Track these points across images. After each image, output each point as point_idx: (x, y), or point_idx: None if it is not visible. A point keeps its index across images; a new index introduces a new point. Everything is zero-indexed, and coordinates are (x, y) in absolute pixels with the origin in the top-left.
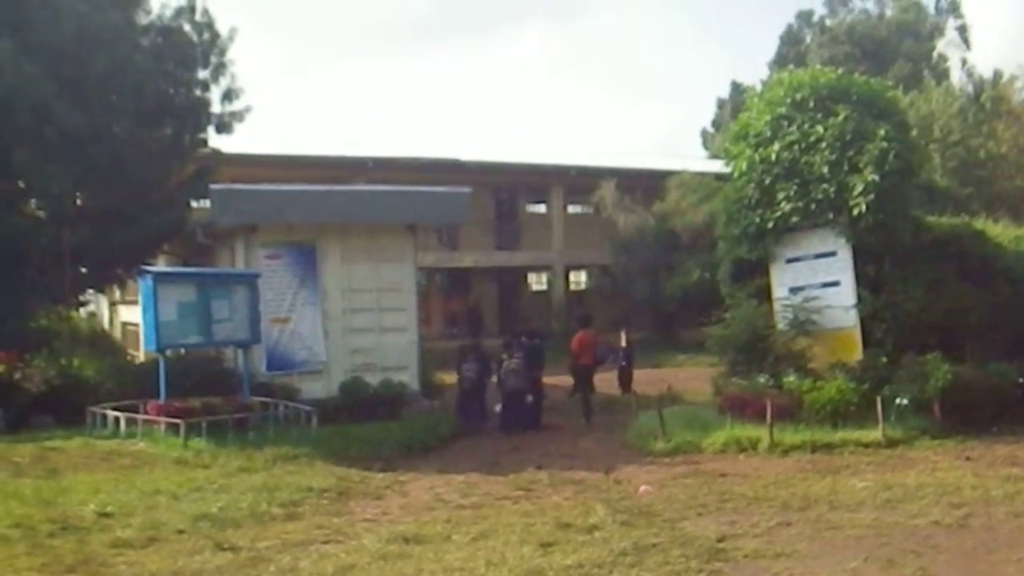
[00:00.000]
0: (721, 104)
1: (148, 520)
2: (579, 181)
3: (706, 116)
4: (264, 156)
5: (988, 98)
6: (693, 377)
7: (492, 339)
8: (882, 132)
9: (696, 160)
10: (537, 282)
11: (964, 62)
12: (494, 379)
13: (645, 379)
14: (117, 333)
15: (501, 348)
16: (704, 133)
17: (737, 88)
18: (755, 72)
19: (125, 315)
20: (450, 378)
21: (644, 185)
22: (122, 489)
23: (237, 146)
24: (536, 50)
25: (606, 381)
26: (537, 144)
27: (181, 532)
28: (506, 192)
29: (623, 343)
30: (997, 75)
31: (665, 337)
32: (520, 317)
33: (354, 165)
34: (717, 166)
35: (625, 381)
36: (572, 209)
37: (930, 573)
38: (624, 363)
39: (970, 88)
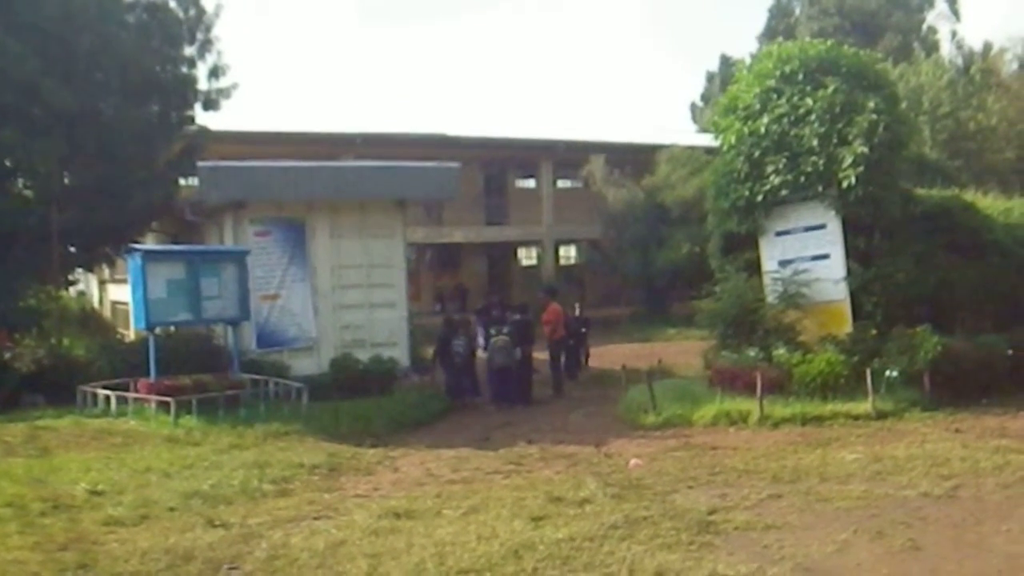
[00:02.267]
0: (710, 78)
1: (139, 498)
2: (568, 156)
3: (695, 90)
4: (252, 133)
5: (978, 70)
6: (683, 351)
7: None
8: (871, 104)
9: (685, 134)
10: (527, 257)
11: (954, 34)
12: (481, 353)
13: (635, 353)
14: (107, 312)
15: (475, 320)
16: (693, 107)
17: (726, 61)
18: (744, 45)
19: (115, 294)
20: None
21: (633, 159)
22: (113, 467)
23: (225, 123)
24: (523, 26)
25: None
26: (525, 119)
27: (172, 509)
28: (495, 167)
29: (576, 314)
30: (987, 47)
31: (655, 311)
32: (509, 291)
33: (343, 141)
34: (706, 140)
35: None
36: (561, 184)
37: (919, 544)
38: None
39: (960, 60)
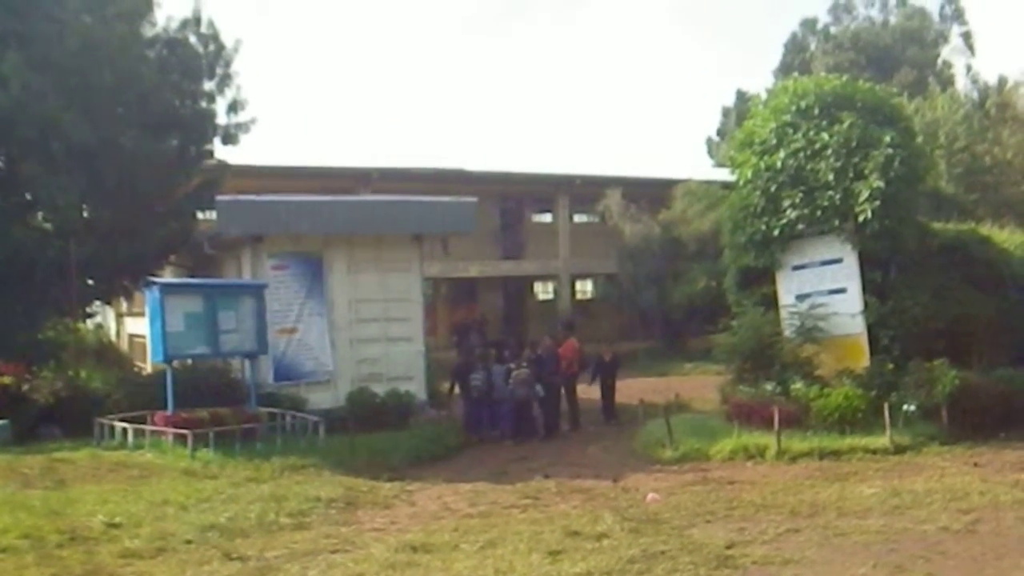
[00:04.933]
0: (726, 113)
1: (156, 530)
2: (585, 190)
3: (711, 125)
4: (269, 168)
5: (993, 104)
6: (700, 385)
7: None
8: (887, 138)
9: (701, 169)
10: (543, 291)
11: (969, 68)
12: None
13: (652, 388)
14: (124, 345)
15: (495, 354)
16: (709, 141)
17: (742, 96)
18: (760, 80)
19: (132, 327)
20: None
21: (650, 194)
22: (130, 500)
23: (242, 158)
24: (536, 57)
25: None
26: (542, 154)
27: (189, 542)
28: (512, 201)
29: (608, 357)
30: (1002, 81)
31: (671, 346)
32: (525, 326)
33: (359, 175)
34: (722, 175)
35: (608, 401)
36: (578, 218)
37: None
38: (607, 376)
39: (975, 94)
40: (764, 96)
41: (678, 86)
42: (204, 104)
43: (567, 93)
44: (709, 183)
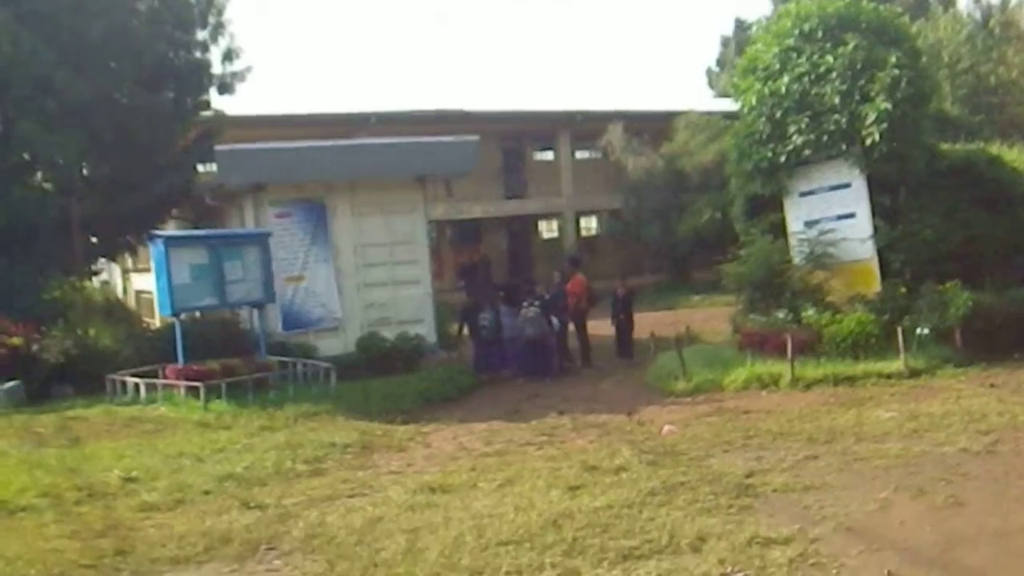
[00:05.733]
0: (725, 42)
1: (173, 483)
2: (586, 126)
3: (710, 55)
4: (266, 117)
5: (997, 23)
6: (709, 317)
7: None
8: (893, 59)
9: (703, 100)
10: (548, 230)
11: None
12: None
13: (660, 321)
14: (131, 302)
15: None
16: (709, 72)
17: (741, 25)
18: (758, 8)
19: (138, 283)
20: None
21: (651, 127)
22: (145, 454)
23: (240, 108)
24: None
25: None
26: (541, 91)
27: (207, 493)
28: (512, 141)
29: (621, 292)
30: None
31: (678, 279)
32: (531, 265)
33: (357, 121)
34: (724, 105)
35: (624, 336)
36: (580, 155)
37: (962, 500)
38: (622, 312)
39: (978, 14)
40: (765, 21)
41: (676, 17)
42: (198, 54)
43: (563, 27)
44: (711, 114)
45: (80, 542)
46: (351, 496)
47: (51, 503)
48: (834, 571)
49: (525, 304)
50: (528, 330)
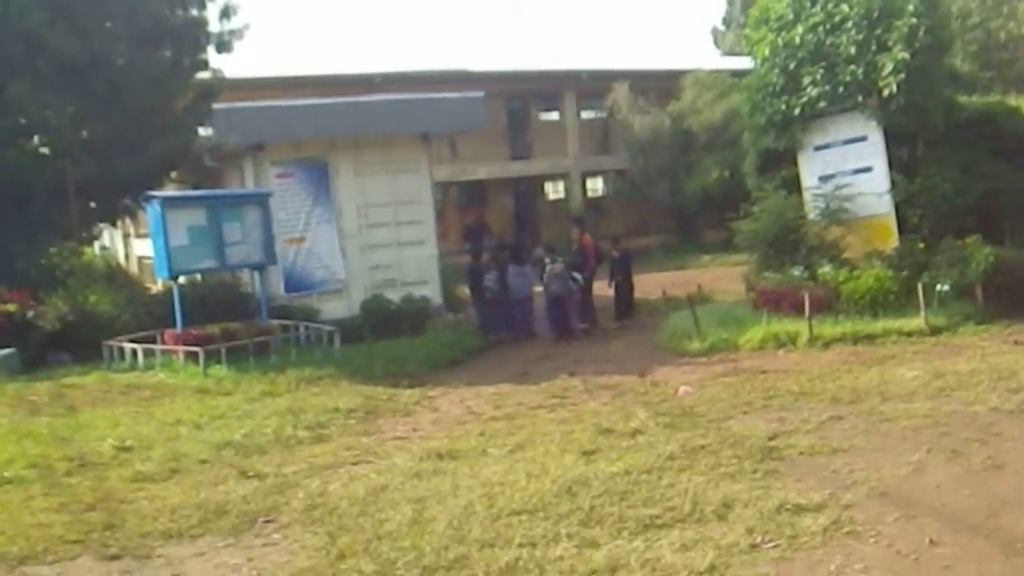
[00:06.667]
0: (731, 0)
1: (169, 452)
2: (591, 85)
3: (716, 14)
4: (267, 78)
5: None
6: (720, 276)
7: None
8: (911, 7)
9: (709, 60)
10: (554, 191)
11: None
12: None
13: (671, 281)
14: (133, 268)
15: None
16: (715, 31)
17: None
18: None
19: (139, 249)
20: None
21: (658, 86)
22: (141, 422)
23: (239, 70)
24: None
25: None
26: (546, 51)
27: (204, 462)
28: (517, 101)
29: (616, 253)
30: None
31: (687, 239)
32: (537, 226)
33: (361, 82)
34: (731, 64)
35: (621, 297)
36: (586, 114)
37: (999, 462)
38: (618, 274)
39: None
40: None
41: None
42: (195, 12)
43: None
44: (718, 72)
45: (68, 515)
46: (354, 464)
47: (40, 474)
48: (871, 540)
49: (549, 260)
50: (553, 286)
